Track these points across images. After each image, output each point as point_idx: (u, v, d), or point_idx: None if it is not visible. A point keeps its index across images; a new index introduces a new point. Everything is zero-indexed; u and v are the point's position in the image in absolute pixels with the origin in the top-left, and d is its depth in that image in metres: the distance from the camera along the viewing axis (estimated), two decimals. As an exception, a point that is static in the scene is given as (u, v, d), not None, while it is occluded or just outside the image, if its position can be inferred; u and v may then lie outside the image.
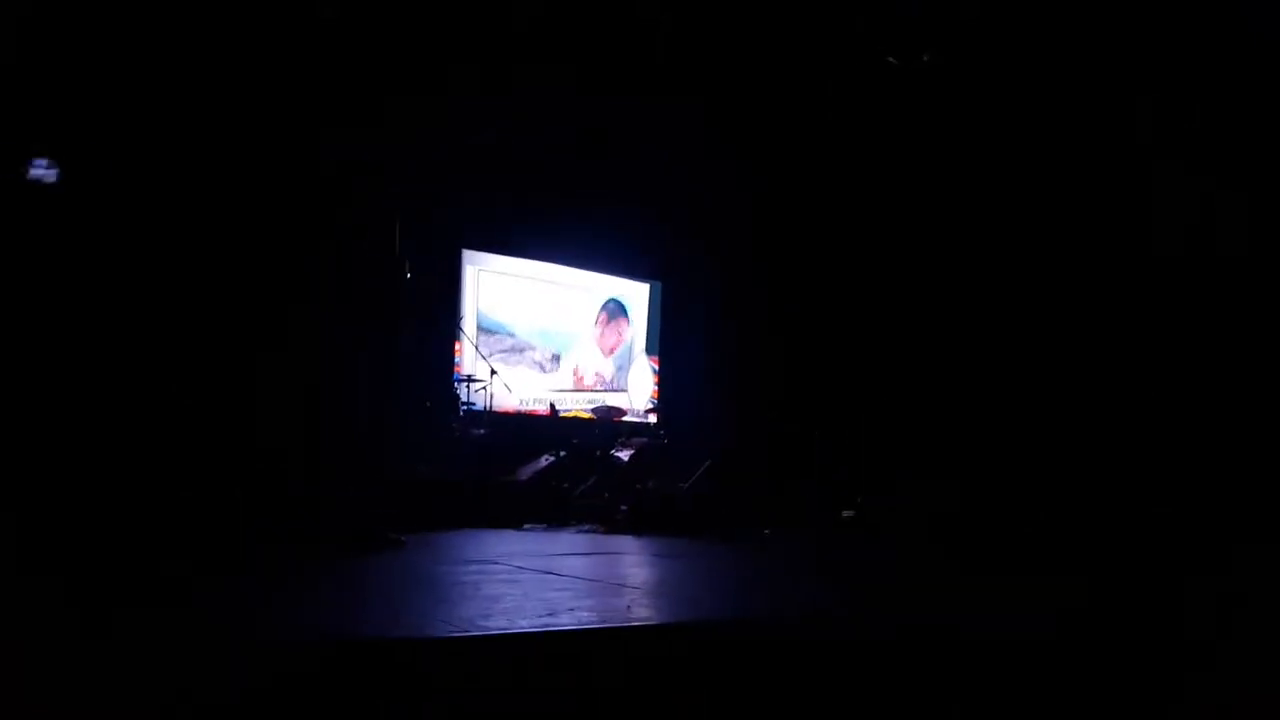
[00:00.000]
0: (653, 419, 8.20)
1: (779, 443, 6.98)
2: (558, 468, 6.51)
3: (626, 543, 4.82)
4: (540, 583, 2.99)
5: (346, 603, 2.62)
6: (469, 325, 7.29)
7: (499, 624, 2.09)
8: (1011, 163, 5.91)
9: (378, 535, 3.93)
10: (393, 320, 4.78)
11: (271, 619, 2.22)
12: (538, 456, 6.65)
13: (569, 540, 4.86)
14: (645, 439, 7.20)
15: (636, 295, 8.63)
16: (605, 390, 8.17)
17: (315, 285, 4.56)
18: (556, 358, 7.99)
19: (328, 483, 4.05)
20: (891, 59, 5.83)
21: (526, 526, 5.67)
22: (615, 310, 8.45)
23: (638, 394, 8.44)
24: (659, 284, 8.71)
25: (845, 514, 6.35)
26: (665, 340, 8.67)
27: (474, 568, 3.40)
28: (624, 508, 5.73)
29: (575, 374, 8.07)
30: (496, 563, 3.57)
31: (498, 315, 7.61)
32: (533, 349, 7.83)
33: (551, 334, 7.98)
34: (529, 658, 1.82)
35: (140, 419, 3.62)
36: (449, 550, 4.04)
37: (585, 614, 2.30)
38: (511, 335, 7.69)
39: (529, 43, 5.71)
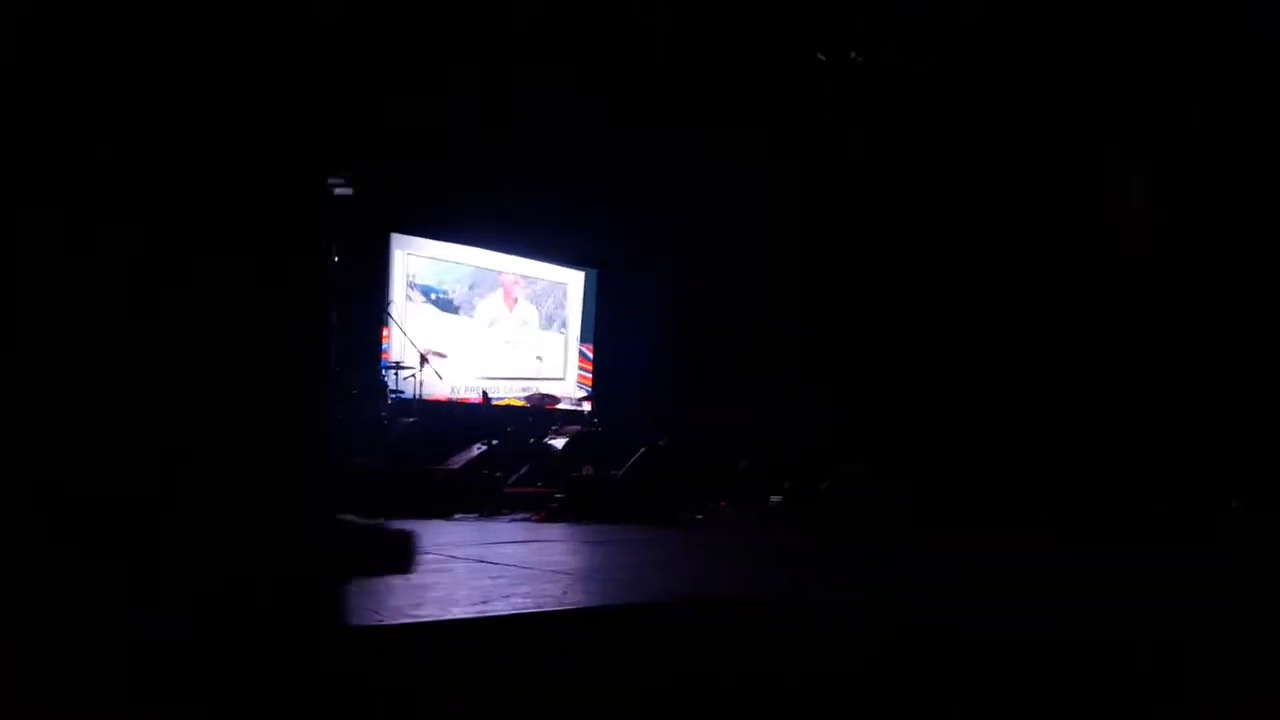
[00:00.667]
0: (587, 407, 8.16)
1: (712, 430, 7.03)
2: (490, 456, 6.43)
3: (561, 530, 4.79)
4: (473, 570, 2.94)
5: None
6: (397, 309, 7.14)
7: (430, 612, 2.04)
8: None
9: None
10: (321, 306, 4.62)
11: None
12: (470, 445, 6.55)
13: (502, 529, 4.81)
14: (579, 427, 7.17)
15: (571, 282, 8.57)
16: (539, 379, 8.11)
17: (242, 271, 4.37)
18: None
19: (258, 475, 3.90)
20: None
21: (457, 516, 5.59)
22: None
23: (571, 381, 8.39)
24: (594, 271, 8.67)
25: (773, 499, 6.44)
26: (600, 328, 8.64)
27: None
28: (558, 496, 5.70)
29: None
30: (427, 552, 3.49)
31: (427, 280, 7.49)
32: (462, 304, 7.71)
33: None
34: (462, 646, 1.78)
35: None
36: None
37: (520, 600, 2.27)
38: (442, 292, 7.56)
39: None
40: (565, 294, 8.52)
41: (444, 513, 5.62)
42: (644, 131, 6.83)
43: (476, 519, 5.56)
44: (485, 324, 7.90)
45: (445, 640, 1.77)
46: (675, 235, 8.13)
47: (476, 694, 1.67)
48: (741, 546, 4.33)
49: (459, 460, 6.38)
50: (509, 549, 3.72)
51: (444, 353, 7.03)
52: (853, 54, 6.37)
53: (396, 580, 2.72)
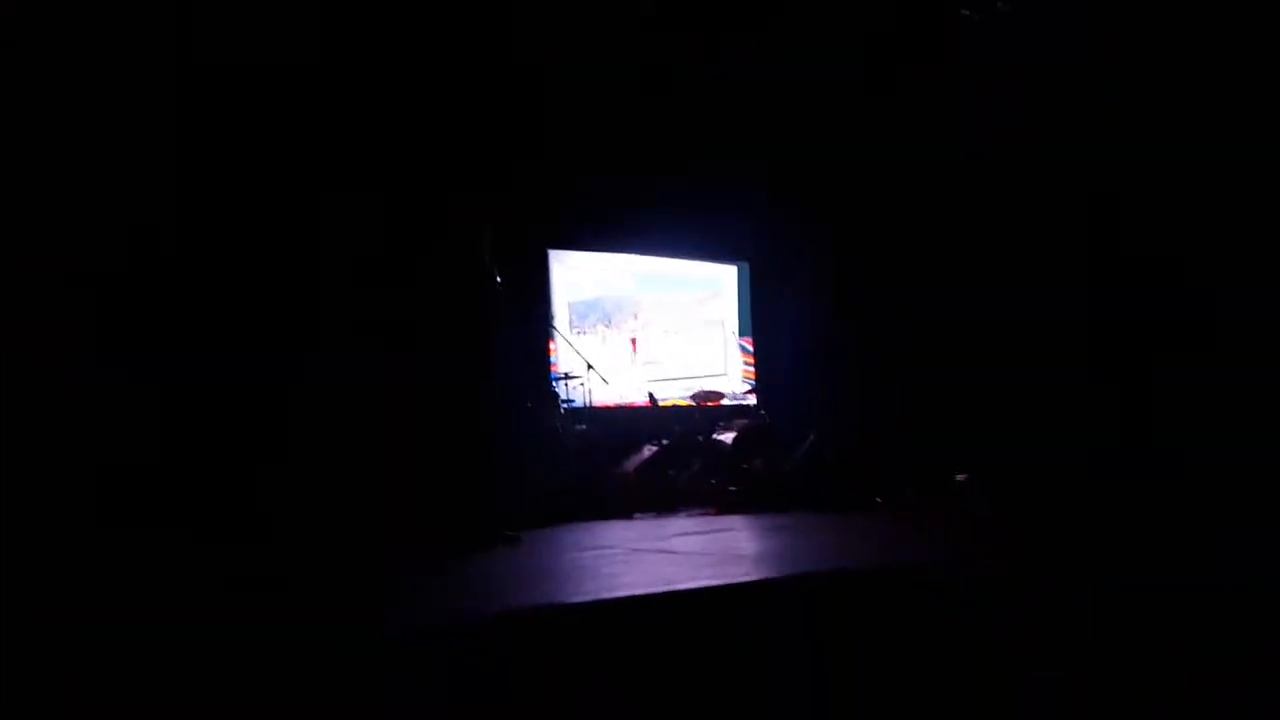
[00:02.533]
0: (751, 400, 8.26)
1: (882, 413, 6.97)
2: (662, 456, 6.66)
3: (739, 521, 4.94)
4: (657, 560, 3.15)
5: (477, 589, 2.82)
6: (561, 322, 7.52)
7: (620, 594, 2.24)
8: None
9: (494, 533, 4.15)
10: (492, 325, 4.99)
11: (411, 602, 2.42)
12: (641, 447, 6.81)
13: (681, 524, 5.01)
14: (746, 420, 7.29)
15: (725, 278, 8.71)
16: (702, 376, 8.29)
17: (412, 299, 4.83)
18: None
19: (447, 487, 4.29)
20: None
21: (637, 516, 5.85)
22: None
23: (734, 376, 8.53)
24: (746, 265, 8.76)
25: (959, 478, 6.29)
26: (757, 320, 8.72)
27: (591, 553, 3.58)
28: (733, 489, 5.85)
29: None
30: (613, 547, 3.74)
31: (585, 296, 7.86)
32: (623, 316, 8.03)
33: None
34: (656, 617, 1.96)
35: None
36: (565, 541, 4.24)
37: (706, 582, 2.43)
38: (602, 309, 7.89)
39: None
40: (719, 290, 8.67)
41: (624, 513, 5.89)
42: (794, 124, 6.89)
43: (655, 517, 5.79)
44: (641, 334, 8.17)
45: (635, 615, 1.96)
46: (825, 223, 8.10)
47: (669, 662, 1.85)
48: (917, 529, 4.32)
49: (633, 463, 6.66)
50: (690, 540, 3.91)
51: (606, 364, 7.36)
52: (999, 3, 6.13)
53: (584, 570, 2.96)
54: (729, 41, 6.26)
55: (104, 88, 3.48)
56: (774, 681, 1.89)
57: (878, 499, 5.51)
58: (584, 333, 7.79)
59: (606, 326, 7.99)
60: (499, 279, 5.21)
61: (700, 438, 6.99)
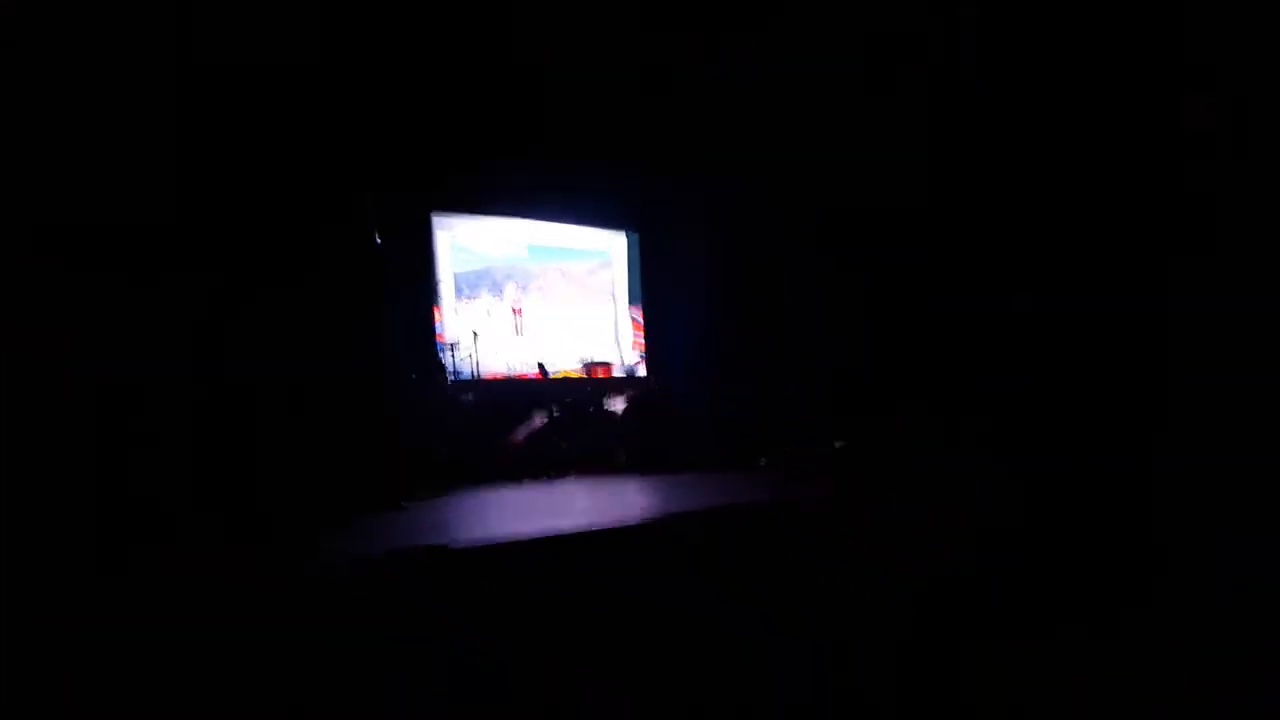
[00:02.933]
0: (642, 370, 8.36)
1: (770, 382, 7.19)
2: (552, 426, 6.68)
3: (630, 481, 5.03)
4: (547, 516, 3.18)
5: (365, 543, 2.79)
6: (446, 290, 7.41)
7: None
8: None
9: (380, 501, 4.11)
10: (372, 292, 4.91)
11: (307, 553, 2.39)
12: (531, 417, 6.81)
13: (571, 487, 5.06)
14: (636, 389, 7.38)
15: (615, 247, 8.75)
16: (593, 345, 8.32)
17: (292, 267, 4.71)
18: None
19: (326, 456, 4.20)
20: None
21: (526, 482, 5.87)
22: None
23: (624, 346, 8.60)
24: (636, 234, 8.82)
25: (838, 444, 6.58)
26: (647, 289, 8.80)
27: (479, 514, 3.59)
28: (622, 454, 5.93)
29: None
30: (501, 508, 3.75)
31: (472, 266, 7.75)
32: (512, 286, 7.97)
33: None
34: (555, 558, 2.00)
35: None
36: (453, 506, 4.22)
37: (588, 525, 2.49)
38: (491, 278, 7.81)
39: None
40: (609, 261, 8.70)
41: (514, 478, 5.91)
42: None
43: (545, 482, 5.83)
44: (527, 305, 8.13)
45: (523, 555, 2.00)
46: (710, 198, 8.26)
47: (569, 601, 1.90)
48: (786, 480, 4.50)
49: (522, 432, 6.66)
50: (579, 499, 3.96)
51: (494, 334, 7.30)
52: None
53: (472, 526, 2.98)
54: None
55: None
56: (667, 614, 1.97)
57: (762, 460, 5.71)
58: (472, 301, 7.70)
59: (495, 296, 7.92)
60: (379, 241, 5.10)
61: (591, 407, 7.04)
